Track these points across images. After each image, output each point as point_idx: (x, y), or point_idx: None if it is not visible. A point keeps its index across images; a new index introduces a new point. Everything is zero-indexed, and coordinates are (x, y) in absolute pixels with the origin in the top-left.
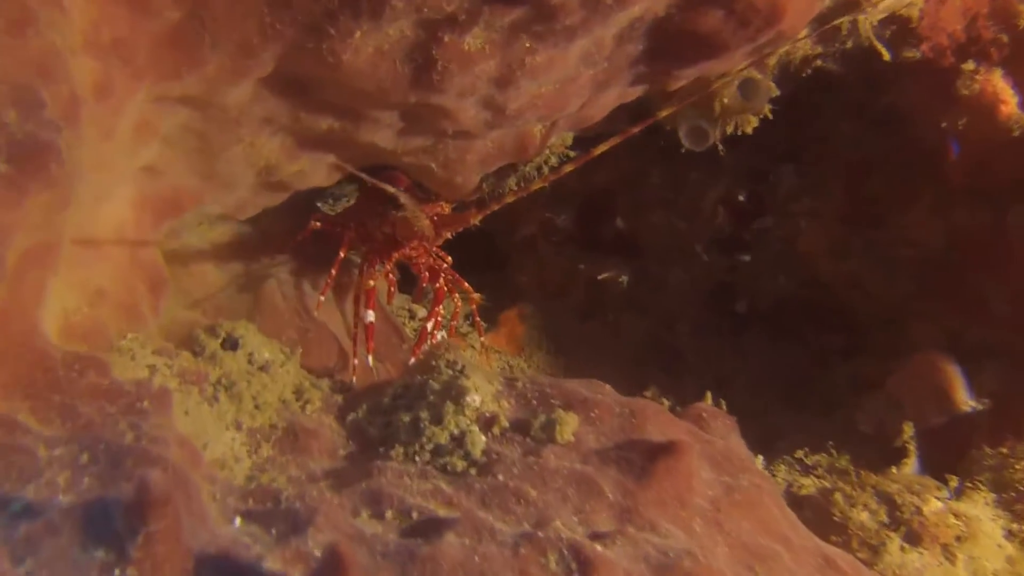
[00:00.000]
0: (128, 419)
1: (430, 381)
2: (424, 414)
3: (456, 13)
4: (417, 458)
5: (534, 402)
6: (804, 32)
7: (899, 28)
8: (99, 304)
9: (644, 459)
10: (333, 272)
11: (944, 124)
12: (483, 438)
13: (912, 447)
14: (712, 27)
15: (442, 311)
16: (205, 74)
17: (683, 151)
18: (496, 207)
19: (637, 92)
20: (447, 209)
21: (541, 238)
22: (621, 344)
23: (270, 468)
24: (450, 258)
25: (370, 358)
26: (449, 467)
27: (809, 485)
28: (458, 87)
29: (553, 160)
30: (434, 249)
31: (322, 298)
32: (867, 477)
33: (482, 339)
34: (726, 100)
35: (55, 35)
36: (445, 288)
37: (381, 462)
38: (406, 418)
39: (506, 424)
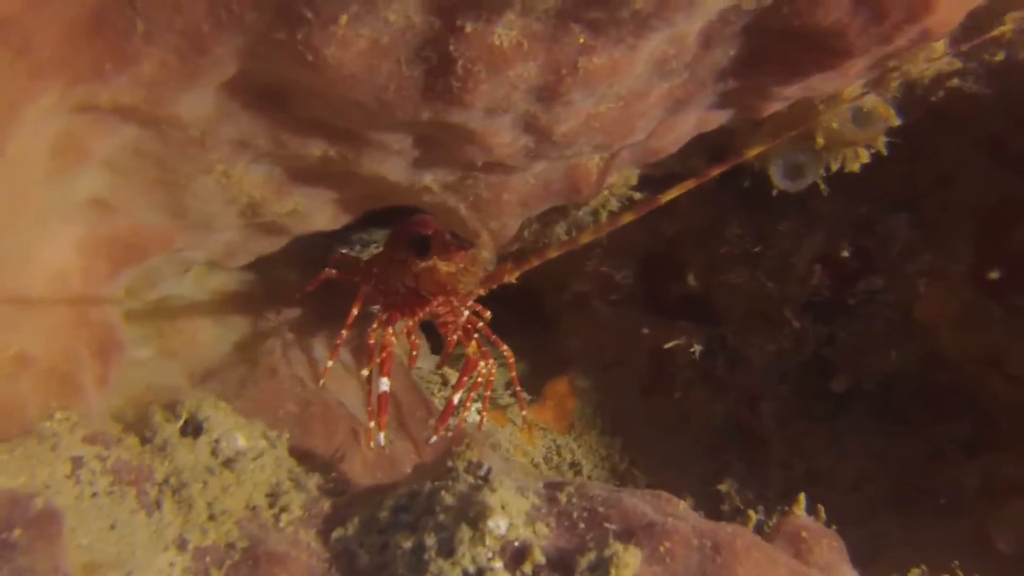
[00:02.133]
0: None
1: (442, 492)
2: (430, 540)
3: None
4: None
5: (582, 525)
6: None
7: None
8: (19, 374)
9: None
10: (344, 332)
11: None
12: None
13: None
14: (834, 22)
15: (477, 379)
16: (141, 75)
17: (773, 194)
18: (537, 262)
19: (721, 118)
20: (480, 259)
21: (596, 297)
22: (691, 426)
23: None
24: (488, 313)
25: (382, 436)
26: None
27: None
28: (487, 99)
29: (613, 204)
30: (467, 305)
31: (330, 363)
32: None
33: (524, 412)
34: (835, 125)
35: None
36: (479, 352)
37: None
38: (407, 543)
39: (542, 560)
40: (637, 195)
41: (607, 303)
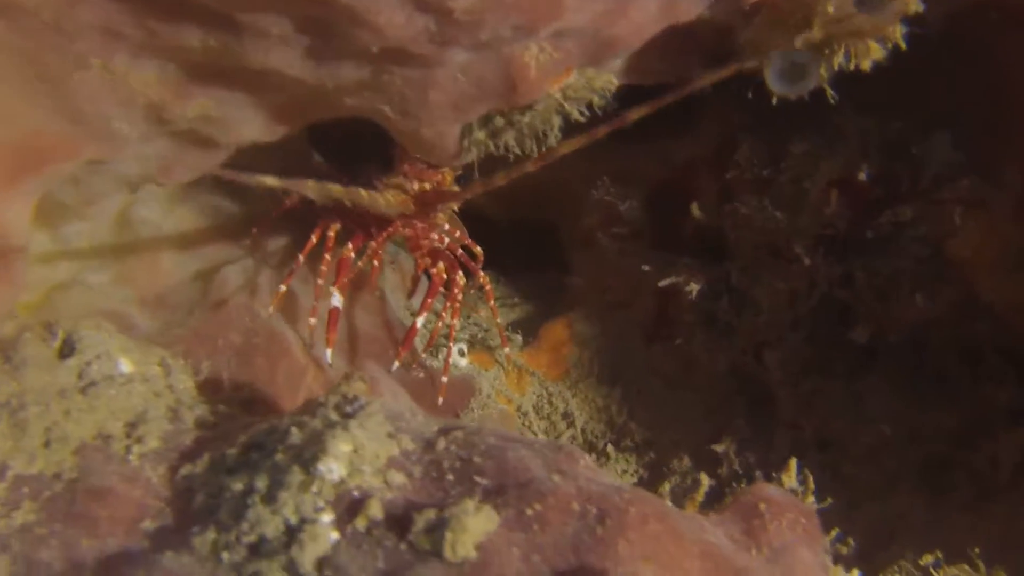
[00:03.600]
0: None
1: (292, 428)
2: (261, 483)
3: None
4: (225, 556)
5: (450, 477)
6: None
7: None
8: None
9: None
10: (300, 258)
11: None
12: (333, 536)
13: None
14: None
15: (450, 306)
16: None
17: (775, 104)
18: (481, 188)
19: (697, 6)
20: (449, 179)
21: (600, 231)
22: (695, 376)
23: (15, 545)
24: (479, 248)
25: (328, 352)
26: None
27: None
28: None
29: (573, 112)
30: (444, 230)
31: (283, 287)
32: None
33: (506, 350)
34: (831, 10)
35: None
36: (444, 275)
37: (172, 555)
38: (238, 485)
39: (379, 515)
40: (597, 99)
41: (612, 238)
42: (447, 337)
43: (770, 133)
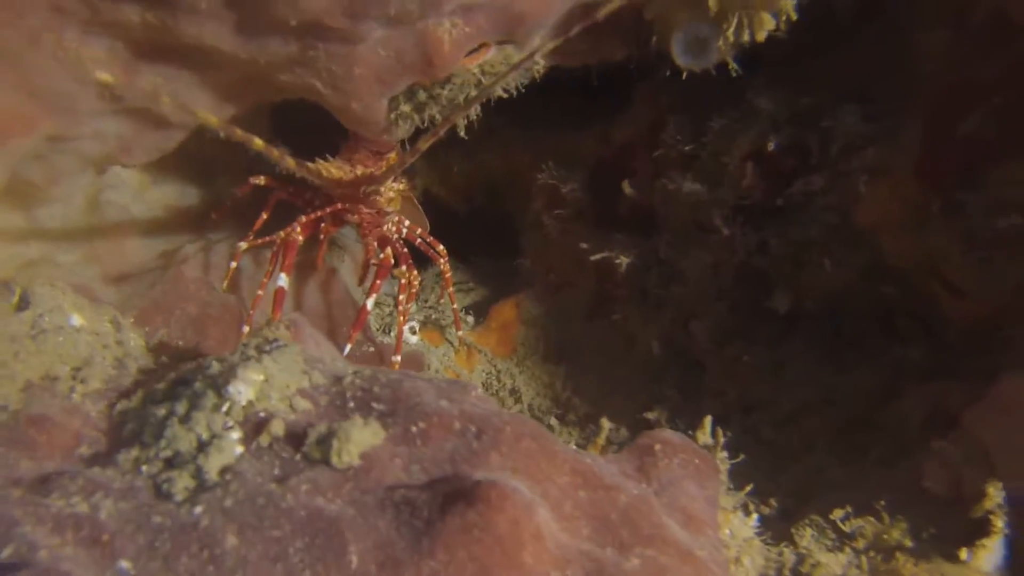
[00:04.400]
0: None
1: (214, 362)
2: (181, 407)
3: None
4: (144, 468)
5: (351, 404)
6: None
7: None
8: None
9: (436, 508)
10: (250, 235)
11: None
12: (238, 449)
13: (998, 522)
14: None
15: (406, 290)
16: None
17: (697, 86)
18: (403, 162)
19: None
20: (393, 160)
21: (545, 213)
22: (634, 350)
23: None
24: (442, 247)
25: None
26: (166, 487)
27: (829, 566)
28: None
29: (499, 91)
30: (398, 223)
31: (233, 264)
32: (920, 567)
33: (459, 333)
34: None
35: None
36: (392, 260)
37: (99, 469)
38: (160, 411)
39: (280, 432)
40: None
41: (555, 219)
42: (402, 315)
43: (694, 112)
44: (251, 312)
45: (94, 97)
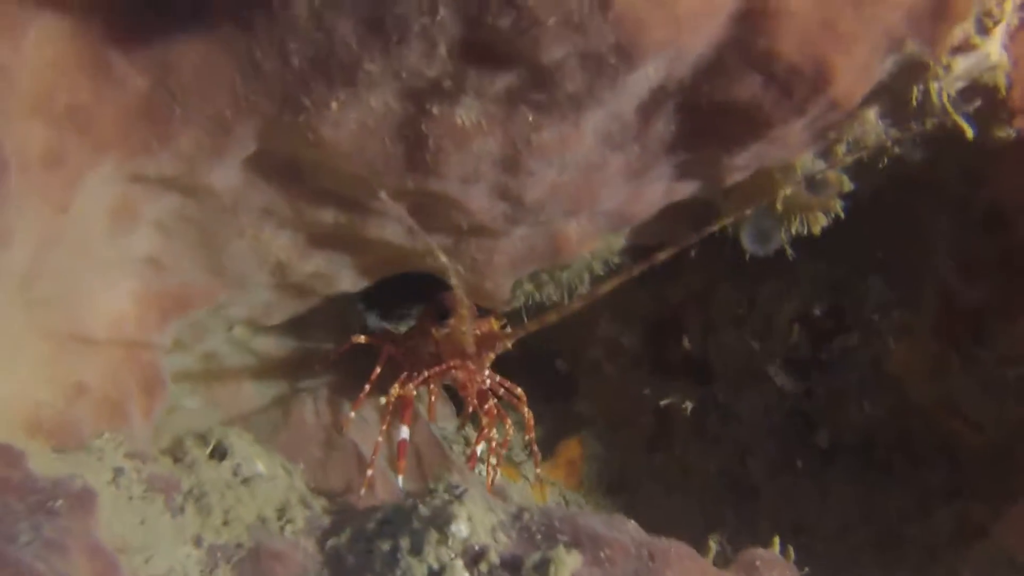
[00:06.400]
0: (33, 519)
1: (419, 506)
2: (405, 542)
3: (440, 79)
4: None
5: (538, 536)
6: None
7: (986, 101)
8: (77, 400)
9: None
10: (367, 387)
11: None
12: (465, 575)
13: None
14: (750, 96)
15: (495, 435)
16: (179, 150)
17: (748, 258)
18: (536, 327)
19: (688, 188)
20: (496, 325)
21: (606, 361)
22: (691, 481)
23: None
24: (520, 390)
25: (400, 479)
26: None
27: None
28: (458, 170)
29: (597, 267)
30: (487, 374)
31: (352, 414)
32: None
33: (537, 470)
34: (788, 192)
35: None
36: (495, 411)
37: None
38: (385, 546)
39: (496, 560)
40: (616, 259)
41: (615, 366)
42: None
43: (741, 279)
44: (372, 457)
45: (266, 275)
